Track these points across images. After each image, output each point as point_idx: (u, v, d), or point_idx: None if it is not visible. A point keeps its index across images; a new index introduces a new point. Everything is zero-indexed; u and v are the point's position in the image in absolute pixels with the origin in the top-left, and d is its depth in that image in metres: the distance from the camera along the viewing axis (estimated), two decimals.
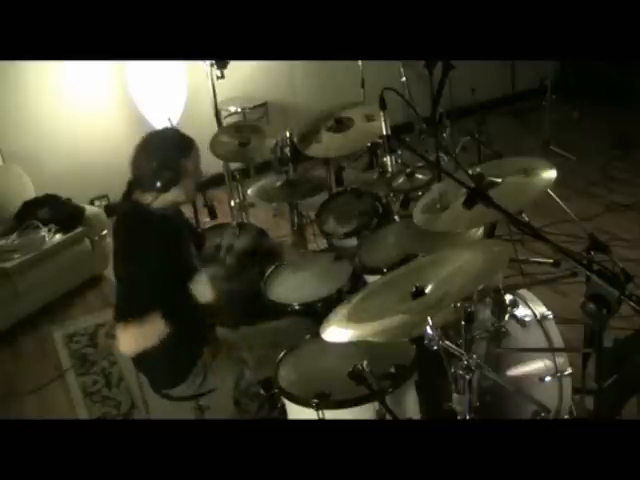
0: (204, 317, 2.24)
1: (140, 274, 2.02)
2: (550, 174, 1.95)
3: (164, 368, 2.23)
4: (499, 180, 1.98)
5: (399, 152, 2.30)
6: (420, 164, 2.87)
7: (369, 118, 2.81)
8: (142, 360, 2.28)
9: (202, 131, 3.36)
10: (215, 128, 3.68)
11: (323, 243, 3.09)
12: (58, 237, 3.82)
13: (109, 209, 4.53)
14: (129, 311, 2.04)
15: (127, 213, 2.17)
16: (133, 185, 2.13)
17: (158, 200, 2.08)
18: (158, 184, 2.04)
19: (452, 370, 1.71)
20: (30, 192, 4.10)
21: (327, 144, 2.91)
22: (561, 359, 2.08)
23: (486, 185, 1.90)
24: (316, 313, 2.25)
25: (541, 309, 2.16)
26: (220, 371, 2.23)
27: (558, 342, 2.11)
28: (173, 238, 2.17)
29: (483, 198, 1.62)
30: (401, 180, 2.83)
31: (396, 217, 2.73)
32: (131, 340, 2.03)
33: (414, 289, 1.69)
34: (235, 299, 2.47)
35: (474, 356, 1.67)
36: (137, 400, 2.97)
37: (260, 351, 2.16)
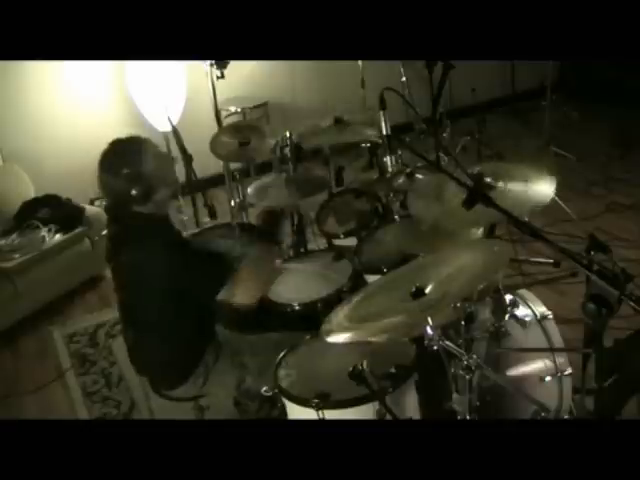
0: (208, 319, 2.24)
1: (164, 281, 2.02)
2: (550, 185, 1.95)
3: (166, 369, 2.23)
4: (499, 184, 1.98)
5: (399, 152, 2.30)
6: (420, 164, 2.87)
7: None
8: (143, 362, 2.28)
9: (202, 131, 3.37)
10: (215, 128, 3.68)
11: (323, 243, 3.09)
12: (58, 237, 3.82)
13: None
14: (149, 320, 2.11)
15: (135, 225, 2.08)
16: (118, 208, 2.07)
17: (152, 206, 2.04)
18: (134, 193, 1.97)
19: (452, 370, 1.71)
20: (30, 192, 4.10)
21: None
22: (561, 359, 2.08)
23: (486, 186, 1.90)
24: (316, 313, 2.25)
25: (541, 309, 2.16)
26: (221, 374, 2.23)
27: (558, 342, 2.11)
28: (181, 240, 2.18)
29: (483, 198, 1.62)
30: (401, 180, 2.83)
31: (396, 217, 2.73)
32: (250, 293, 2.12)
33: (414, 289, 1.69)
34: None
35: (474, 356, 1.67)
36: (139, 400, 2.97)
37: (263, 358, 2.16)
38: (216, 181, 4.40)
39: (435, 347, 1.64)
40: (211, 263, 2.14)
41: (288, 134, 2.93)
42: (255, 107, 4.85)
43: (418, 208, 2.13)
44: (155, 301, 2.09)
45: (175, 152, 4.11)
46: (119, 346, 3.38)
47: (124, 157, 2.01)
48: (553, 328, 2.13)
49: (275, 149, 2.98)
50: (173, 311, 2.09)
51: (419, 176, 2.83)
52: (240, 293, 2.09)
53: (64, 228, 3.87)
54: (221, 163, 3.92)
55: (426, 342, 1.65)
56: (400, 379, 1.85)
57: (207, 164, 3.43)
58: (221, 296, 2.06)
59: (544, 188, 1.97)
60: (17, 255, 3.65)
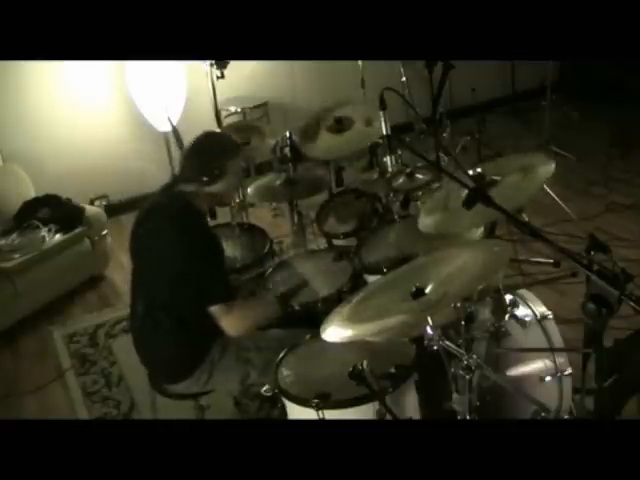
0: None
1: (171, 270, 2.10)
2: (548, 169, 1.94)
3: (171, 362, 2.23)
4: (498, 178, 1.98)
5: (399, 152, 2.30)
6: (420, 164, 2.87)
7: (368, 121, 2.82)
8: (149, 353, 2.28)
9: (202, 131, 3.36)
10: (215, 128, 3.68)
11: (323, 243, 3.09)
12: (58, 237, 3.82)
13: (109, 209, 4.53)
14: (183, 305, 2.14)
15: (172, 202, 2.20)
16: (178, 178, 2.23)
17: (201, 192, 2.17)
18: (204, 177, 2.15)
19: (452, 370, 1.71)
20: (30, 192, 4.09)
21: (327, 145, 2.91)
22: (561, 359, 2.08)
23: (486, 184, 1.90)
24: (316, 313, 2.25)
25: (541, 309, 2.16)
26: (226, 370, 2.23)
27: (558, 342, 2.11)
28: (204, 239, 2.20)
29: (483, 198, 1.61)
30: (401, 180, 2.83)
31: (396, 217, 2.73)
32: (239, 322, 2.15)
33: (414, 289, 1.69)
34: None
35: (474, 356, 1.67)
36: (139, 400, 2.97)
37: (268, 354, 2.16)
38: None
39: (435, 347, 1.65)
40: (218, 278, 2.17)
41: (288, 134, 2.93)
42: (255, 107, 4.85)
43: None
44: (162, 290, 2.15)
45: (175, 152, 4.11)
46: (119, 346, 3.39)
47: (220, 147, 2.26)
48: (553, 328, 2.13)
49: (275, 149, 2.98)
50: (179, 302, 2.12)
51: (419, 176, 2.84)
52: (229, 320, 2.12)
53: (64, 228, 3.87)
54: None
55: (426, 342, 1.65)
56: (400, 379, 1.85)
57: None
58: (212, 310, 2.11)
59: (542, 171, 1.96)
60: (17, 255, 3.65)
